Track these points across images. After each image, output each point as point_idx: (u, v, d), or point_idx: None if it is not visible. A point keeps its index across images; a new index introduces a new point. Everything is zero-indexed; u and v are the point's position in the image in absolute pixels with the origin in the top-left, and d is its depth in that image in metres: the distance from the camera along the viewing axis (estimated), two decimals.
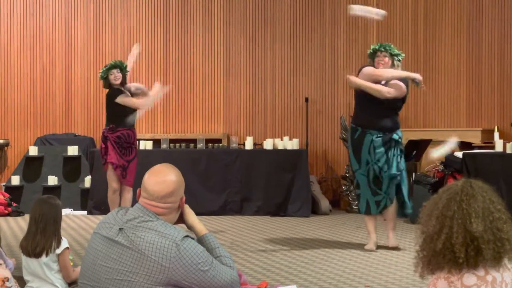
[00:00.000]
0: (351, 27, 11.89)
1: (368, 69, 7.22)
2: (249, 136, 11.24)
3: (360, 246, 7.49)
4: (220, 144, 11.19)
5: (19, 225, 9.30)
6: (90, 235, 3.33)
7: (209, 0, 12.16)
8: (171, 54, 12.16)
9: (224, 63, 12.16)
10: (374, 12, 7.70)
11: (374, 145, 7.16)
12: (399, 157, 7.23)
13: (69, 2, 12.05)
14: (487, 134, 10.40)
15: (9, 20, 11.98)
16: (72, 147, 11.24)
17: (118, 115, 8.29)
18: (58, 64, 12.02)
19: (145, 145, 10.82)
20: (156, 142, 11.21)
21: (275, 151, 10.78)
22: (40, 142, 11.63)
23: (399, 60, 7.33)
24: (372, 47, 7.41)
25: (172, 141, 11.22)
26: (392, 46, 7.37)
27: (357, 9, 7.61)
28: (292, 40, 12.14)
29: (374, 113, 7.16)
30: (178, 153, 10.72)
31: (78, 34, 12.08)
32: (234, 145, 11.00)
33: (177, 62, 12.17)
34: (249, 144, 10.90)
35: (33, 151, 11.23)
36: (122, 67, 8.41)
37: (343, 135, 11.05)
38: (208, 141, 11.23)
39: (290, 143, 10.81)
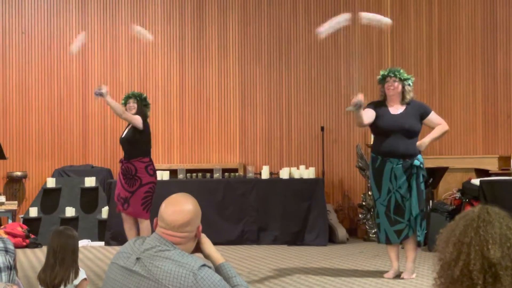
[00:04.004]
0: (365, 55, 11.93)
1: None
2: (265, 165, 11.25)
3: (378, 274, 7.44)
4: (237, 174, 11.20)
5: (37, 257, 9.33)
6: (108, 265, 3.34)
7: (224, 30, 12.26)
8: (187, 84, 12.24)
9: (239, 92, 12.22)
10: (383, 21, 7.76)
11: (395, 172, 7.10)
12: (422, 185, 7.12)
13: (86, 33, 12.17)
14: (504, 161, 10.34)
15: (27, 52, 12.12)
16: (89, 178, 11.30)
17: (123, 148, 8.35)
18: (75, 95, 12.13)
19: (162, 175, 10.85)
20: (173, 173, 11.24)
21: (292, 180, 10.78)
22: (58, 173, 11.70)
23: (409, 85, 7.27)
24: (381, 72, 7.36)
25: (188, 171, 11.25)
26: (401, 70, 7.30)
27: (367, 17, 7.65)
28: (307, 69, 12.19)
29: (393, 141, 7.11)
30: (195, 183, 10.74)
31: (95, 66, 12.20)
32: (250, 175, 11.01)
33: (193, 92, 12.24)
34: (265, 174, 10.90)
35: (51, 182, 11.30)
36: (139, 98, 8.39)
37: (359, 164, 11.04)
38: (224, 170, 11.24)
39: (306, 172, 10.81)
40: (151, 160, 8.32)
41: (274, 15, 12.30)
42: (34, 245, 10.39)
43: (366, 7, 11.99)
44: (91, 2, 12.23)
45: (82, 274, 4.77)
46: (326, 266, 8.26)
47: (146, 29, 12.02)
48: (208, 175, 11.07)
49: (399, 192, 7.08)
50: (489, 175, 9.72)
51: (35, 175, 11.97)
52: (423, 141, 7.15)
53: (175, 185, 10.38)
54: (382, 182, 7.15)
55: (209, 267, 3.11)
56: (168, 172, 11.05)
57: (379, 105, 7.27)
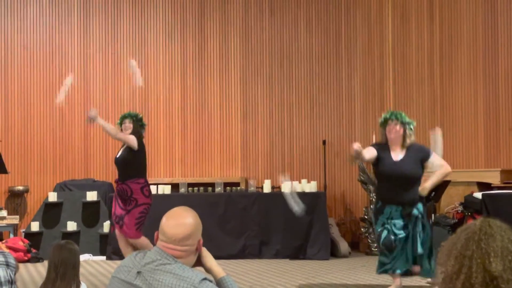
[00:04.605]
0: (367, 70, 11.95)
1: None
2: (267, 179, 11.24)
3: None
4: (238, 188, 11.20)
5: (39, 271, 9.31)
6: (109, 280, 3.33)
7: (226, 45, 12.30)
8: (188, 98, 12.26)
9: (241, 106, 12.23)
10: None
11: (392, 214, 7.13)
12: (421, 233, 7.10)
13: (87, 49, 12.22)
14: (506, 174, 10.32)
15: (29, 67, 12.15)
16: (91, 192, 11.29)
17: (118, 169, 8.29)
18: (77, 110, 12.14)
19: (164, 189, 10.85)
20: (175, 187, 11.24)
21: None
22: (59, 188, 11.70)
23: (411, 129, 7.26)
24: (383, 116, 7.36)
25: (190, 185, 11.25)
26: (403, 114, 7.30)
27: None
28: (308, 83, 12.22)
29: (393, 188, 7.11)
30: (196, 197, 10.73)
31: (96, 81, 12.23)
32: (252, 189, 11.00)
33: (195, 106, 12.26)
34: (267, 187, 10.90)
35: (53, 197, 11.29)
36: (135, 118, 8.24)
37: (361, 177, 11.03)
38: (226, 184, 11.24)
39: (308, 186, 10.80)
40: (146, 181, 8.12)
41: (275, 30, 12.33)
42: (35, 259, 10.37)
43: (367, 19, 12.03)
44: (93, 18, 12.27)
45: None
46: (329, 280, 8.23)
47: (147, 43, 12.07)
48: (210, 189, 11.06)
49: (393, 227, 7.06)
50: (491, 188, 9.70)
51: (36, 189, 11.97)
52: (425, 187, 7.16)
53: (176, 199, 10.36)
54: (378, 219, 7.19)
55: (210, 281, 3.10)
56: (169, 186, 11.05)
57: (382, 148, 7.27)
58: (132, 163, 8.05)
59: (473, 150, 11.02)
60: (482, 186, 9.78)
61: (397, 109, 11.39)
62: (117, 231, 8.23)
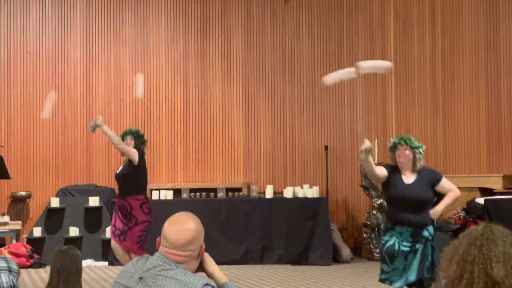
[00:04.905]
0: (369, 75, 11.95)
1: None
2: (269, 184, 11.25)
3: None
4: (241, 193, 11.20)
5: (41, 277, 9.31)
6: (111, 285, 3.33)
7: (228, 50, 12.31)
8: (190, 103, 12.27)
9: (243, 112, 12.24)
10: (382, 66, 7.75)
11: (402, 234, 7.15)
12: (430, 256, 7.09)
13: (90, 53, 12.24)
14: (509, 180, 10.31)
15: (32, 72, 12.16)
16: (93, 197, 11.30)
17: (118, 185, 8.21)
18: (80, 115, 12.15)
19: (166, 195, 10.85)
20: (177, 192, 11.23)
21: (295, 199, 10.77)
22: (62, 193, 11.70)
23: (420, 153, 7.31)
24: (392, 140, 7.41)
25: (192, 190, 11.25)
26: (412, 139, 7.35)
27: (364, 66, 7.64)
28: (310, 88, 12.22)
29: (404, 211, 7.14)
30: (199, 202, 10.74)
31: (99, 86, 12.24)
32: (254, 194, 11.00)
33: (197, 111, 12.26)
34: (269, 193, 10.90)
35: (55, 202, 11.29)
36: (136, 135, 8.17)
37: (363, 183, 11.02)
38: (228, 190, 11.23)
39: (310, 191, 10.80)
40: (146, 198, 8.00)
41: (277, 35, 12.35)
42: (38, 265, 10.37)
43: (369, 24, 12.04)
44: (95, 22, 12.30)
45: None
46: (331, 286, 8.23)
47: (150, 48, 12.09)
48: (212, 194, 11.06)
49: (400, 242, 7.09)
50: (494, 194, 9.69)
51: (39, 195, 11.97)
52: (436, 210, 7.19)
53: (179, 204, 10.37)
54: (387, 233, 7.20)
55: (213, 287, 3.10)
56: (171, 191, 11.05)
57: (393, 170, 7.32)
58: (132, 179, 7.95)
59: (475, 156, 11.02)
60: (484, 191, 9.77)
61: (399, 116, 11.41)
62: (113, 243, 8.13)
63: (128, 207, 7.87)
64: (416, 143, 7.32)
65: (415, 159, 7.27)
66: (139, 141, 8.15)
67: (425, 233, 7.10)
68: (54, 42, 12.26)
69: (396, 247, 7.06)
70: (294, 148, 12.14)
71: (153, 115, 12.26)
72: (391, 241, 7.07)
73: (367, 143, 6.93)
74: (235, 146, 12.23)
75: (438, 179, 7.28)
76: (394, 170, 7.33)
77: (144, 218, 7.90)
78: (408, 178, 7.24)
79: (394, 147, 7.36)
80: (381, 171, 7.26)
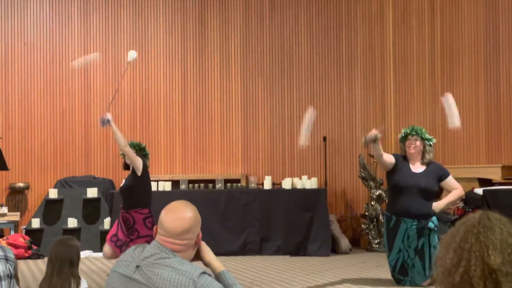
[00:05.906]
0: (367, 67, 11.94)
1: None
2: (267, 175, 11.24)
3: (381, 284, 7.41)
4: (239, 184, 11.20)
5: (39, 268, 9.31)
6: (108, 274, 3.33)
7: (226, 43, 12.29)
8: (189, 95, 12.26)
9: (241, 103, 12.23)
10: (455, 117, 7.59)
11: (409, 233, 7.15)
12: (433, 248, 7.10)
13: (89, 47, 12.22)
14: (507, 170, 10.30)
15: (30, 64, 12.15)
16: (91, 189, 11.30)
17: (122, 198, 8.10)
18: (78, 107, 12.14)
19: (164, 186, 10.85)
20: (175, 183, 11.23)
21: (294, 190, 10.76)
22: (60, 184, 11.70)
23: (430, 145, 7.33)
24: (403, 130, 7.43)
25: (191, 181, 11.24)
26: (423, 130, 7.38)
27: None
28: (309, 80, 12.21)
29: (409, 199, 7.14)
30: (197, 193, 10.74)
31: (97, 78, 12.22)
32: (252, 185, 11.00)
33: (195, 103, 12.25)
34: (267, 184, 10.89)
35: (53, 193, 11.30)
36: (138, 148, 8.08)
37: (362, 174, 11.02)
38: (226, 181, 11.23)
39: (308, 182, 10.79)
40: (150, 212, 7.86)
41: (276, 28, 12.32)
42: (36, 256, 10.38)
43: (368, 17, 12.01)
44: (93, 14, 12.27)
45: (83, 284, 4.74)
46: (329, 276, 8.23)
47: (148, 41, 12.06)
48: (210, 185, 11.06)
49: (407, 251, 7.14)
50: (492, 184, 9.69)
51: (37, 186, 11.97)
52: (439, 204, 7.22)
53: (177, 195, 10.34)
54: (394, 243, 7.20)
55: (209, 275, 3.10)
56: (170, 182, 11.04)
57: (402, 159, 7.35)
58: (136, 191, 7.85)
59: (474, 146, 11.01)
60: (483, 182, 9.77)
61: (398, 107, 11.40)
62: (106, 247, 8.02)
63: (131, 220, 7.80)
64: (427, 135, 7.36)
65: (425, 151, 7.30)
66: (141, 153, 8.06)
67: (430, 224, 7.14)
68: (52, 33, 12.24)
69: (406, 260, 7.10)
70: (292, 139, 12.13)
71: (151, 106, 12.25)
72: (400, 260, 7.11)
73: (374, 132, 6.98)
74: (234, 137, 12.22)
75: (445, 175, 7.32)
76: (403, 158, 7.37)
77: (147, 232, 7.79)
78: (417, 168, 7.26)
79: (405, 137, 7.39)
80: (389, 158, 7.27)
